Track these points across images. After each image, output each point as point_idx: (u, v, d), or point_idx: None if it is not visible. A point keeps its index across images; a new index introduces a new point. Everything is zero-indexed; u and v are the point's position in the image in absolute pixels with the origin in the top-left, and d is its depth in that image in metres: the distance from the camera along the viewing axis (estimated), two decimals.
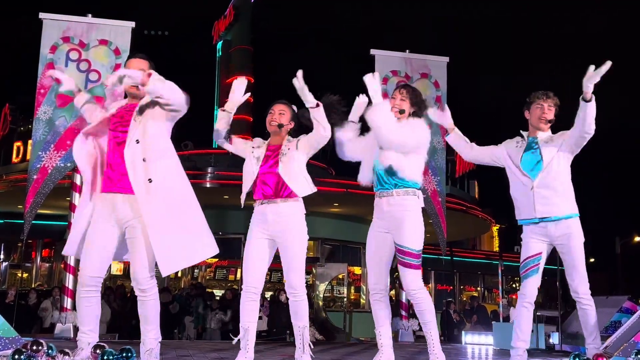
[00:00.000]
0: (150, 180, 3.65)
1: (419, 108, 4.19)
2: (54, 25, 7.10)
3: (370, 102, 4.07)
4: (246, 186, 4.18)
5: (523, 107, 4.60)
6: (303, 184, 4.09)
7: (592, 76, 4.03)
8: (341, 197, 15.94)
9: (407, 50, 8.10)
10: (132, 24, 7.22)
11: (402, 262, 3.99)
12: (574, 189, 4.50)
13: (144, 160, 3.68)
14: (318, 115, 3.96)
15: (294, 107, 4.31)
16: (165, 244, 3.62)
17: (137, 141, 3.70)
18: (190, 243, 3.75)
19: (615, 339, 4.40)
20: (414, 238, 4.00)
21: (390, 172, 4.03)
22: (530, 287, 4.42)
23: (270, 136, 4.31)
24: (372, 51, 8.01)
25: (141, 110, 3.78)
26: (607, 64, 3.99)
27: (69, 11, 7.24)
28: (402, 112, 4.11)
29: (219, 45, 28.35)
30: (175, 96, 3.72)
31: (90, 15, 7.22)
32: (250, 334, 4.11)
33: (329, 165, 21.75)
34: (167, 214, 3.66)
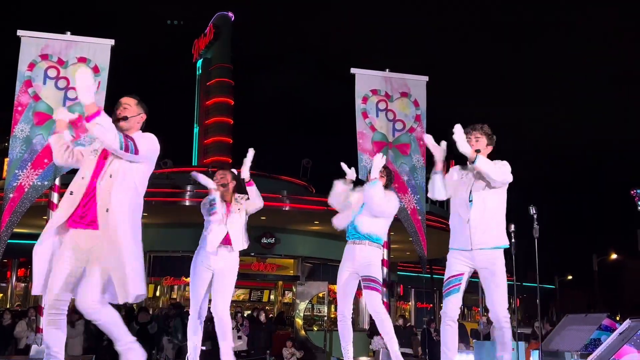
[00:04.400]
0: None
1: (390, 181, 5.43)
2: (32, 43, 7.02)
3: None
4: None
5: None
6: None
7: (459, 142, 4.35)
8: (321, 215, 15.91)
9: (387, 70, 8.14)
10: (112, 42, 7.16)
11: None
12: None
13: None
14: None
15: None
16: None
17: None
18: None
19: (595, 357, 4.42)
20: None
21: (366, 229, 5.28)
22: (452, 305, 4.54)
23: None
24: (352, 70, 8.04)
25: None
26: (456, 128, 4.35)
27: (47, 29, 7.18)
28: (386, 186, 5.28)
29: (199, 63, 28.36)
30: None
31: (69, 32, 7.17)
32: None
33: (309, 183, 21.77)
34: None
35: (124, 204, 3.76)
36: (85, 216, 3.75)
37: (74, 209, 3.76)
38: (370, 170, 5.15)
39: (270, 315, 17.04)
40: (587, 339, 6.20)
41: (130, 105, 3.97)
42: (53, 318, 3.73)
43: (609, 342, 4.48)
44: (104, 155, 3.86)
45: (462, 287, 4.55)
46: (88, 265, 3.68)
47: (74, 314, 12.19)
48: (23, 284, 21.63)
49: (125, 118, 3.90)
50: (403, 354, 5.30)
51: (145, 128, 4.09)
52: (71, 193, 3.82)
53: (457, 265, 4.58)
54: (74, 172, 4.00)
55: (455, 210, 4.62)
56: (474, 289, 5.66)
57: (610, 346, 4.34)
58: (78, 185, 3.82)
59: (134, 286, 3.64)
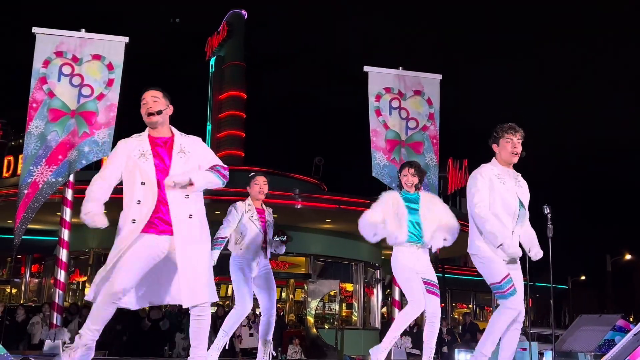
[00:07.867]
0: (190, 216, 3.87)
1: (420, 180, 5.10)
2: (47, 40, 7.06)
3: None
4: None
5: (489, 140, 4.50)
6: None
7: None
8: (333, 213, 15.90)
9: (401, 68, 8.11)
10: (126, 39, 7.19)
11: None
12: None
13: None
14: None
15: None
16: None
17: None
18: None
19: (609, 357, 4.38)
20: None
21: None
22: (521, 300, 4.35)
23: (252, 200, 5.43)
24: (366, 68, 8.01)
25: None
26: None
27: (62, 26, 7.22)
28: (416, 187, 5.02)
29: (212, 61, 28.42)
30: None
31: (83, 30, 7.20)
32: None
33: (321, 181, 21.77)
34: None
35: None
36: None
37: None
38: None
39: (282, 313, 17.05)
40: (601, 340, 6.16)
41: (159, 98, 3.91)
42: None
43: (623, 343, 4.44)
44: None
45: None
46: None
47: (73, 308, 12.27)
48: (37, 280, 21.77)
49: (159, 112, 3.87)
50: (413, 355, 5.31)
51: None
52: None
53: (503, 264, 4.33)
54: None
55: (498, 216, 4.30)
56: (486, 289, 5.60)
57: (625, 347, 4.30)
58: None
59: None
